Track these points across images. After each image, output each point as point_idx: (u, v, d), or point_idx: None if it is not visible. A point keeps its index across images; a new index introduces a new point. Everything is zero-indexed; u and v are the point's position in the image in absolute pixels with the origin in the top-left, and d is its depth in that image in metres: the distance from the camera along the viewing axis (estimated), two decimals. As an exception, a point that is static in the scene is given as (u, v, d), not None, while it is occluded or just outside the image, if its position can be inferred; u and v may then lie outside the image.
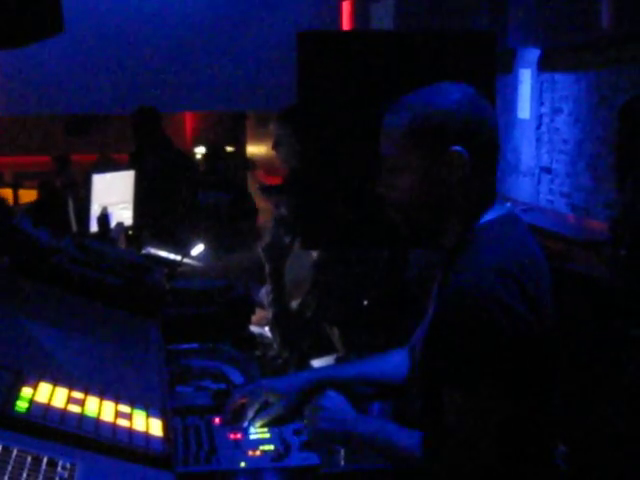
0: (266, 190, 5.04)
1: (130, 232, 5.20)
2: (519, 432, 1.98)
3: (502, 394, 1.89)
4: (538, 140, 6.23)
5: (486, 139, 2.02)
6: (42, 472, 1.60)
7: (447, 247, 2.07)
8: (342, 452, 2.32)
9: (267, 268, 4.41)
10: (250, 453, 2.15)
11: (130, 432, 1.89)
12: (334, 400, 2.26)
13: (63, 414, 1.84)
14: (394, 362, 2.38)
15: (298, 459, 2.12)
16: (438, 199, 2.02)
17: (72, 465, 1.66)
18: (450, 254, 2.05)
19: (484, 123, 2.02)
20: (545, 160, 6.15)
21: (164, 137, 6.73)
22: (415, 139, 2.00)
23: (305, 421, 2.24)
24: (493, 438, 1.92)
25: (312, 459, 2.12)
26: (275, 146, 4.37)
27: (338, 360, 3.65)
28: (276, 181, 5.46)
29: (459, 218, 2.03)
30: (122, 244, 4.75)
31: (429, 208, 2.03)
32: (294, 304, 4.27)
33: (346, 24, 6.92)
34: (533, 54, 6.23)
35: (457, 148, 1.98)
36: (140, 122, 6.61)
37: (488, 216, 2.03)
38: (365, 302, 3.73)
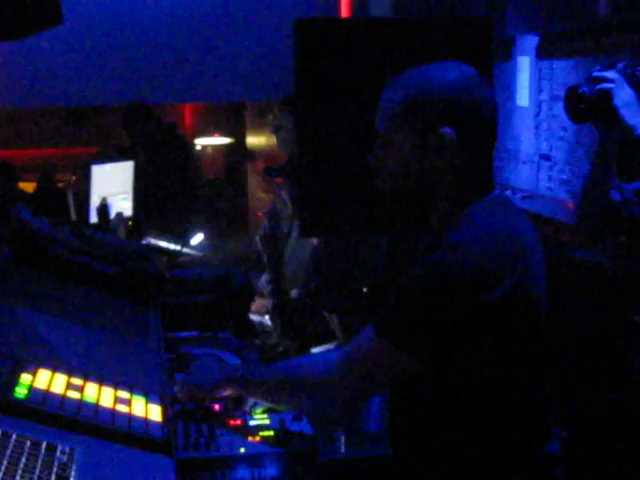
0: (270, 171, 5.05)
1: (130, 222, 5.21)
2: (500, 420, 1.99)
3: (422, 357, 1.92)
4: (537, 127, 6.22)
5: (480, 123, 2.00)
6: (41, 457, 1.61)
7: (435, 230, 2.07)
8: (342, 439, 2.33)
9: (266, 257, 4.42)
10: (250, 439, 2.16)
11: (129, 417, 1.90)
12: (203, 359, 2.39)
13: (62, 400, 1.85)
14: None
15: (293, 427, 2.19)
16: (425, 179, 2.01)
17: (71, 450, 1.67)
18: (436, 236, 2.05)
19: (479, 106, 1.99)
20: (544, 147, 6.15)
21: (161, 128, 6.77)
22: (406, 116, 2.00)
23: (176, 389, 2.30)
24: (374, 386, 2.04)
25: (307, 429, 2.19)
26: (275, 132, 4.39)
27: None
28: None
29: (448, 201, 2.02)
30: (122, 235, 4.75)
31: (415, 187, 2.03)
32: (294, 292, 4.27)
33: (344, 12, 6.90)
34: (531, 41, 6.22)
35: (446, 129, 1.96)
36: (132, 118, 6.68)
37: (477, 201, 2.02)
38: (364, 289, 3.73)
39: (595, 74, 2.81)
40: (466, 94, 1.98)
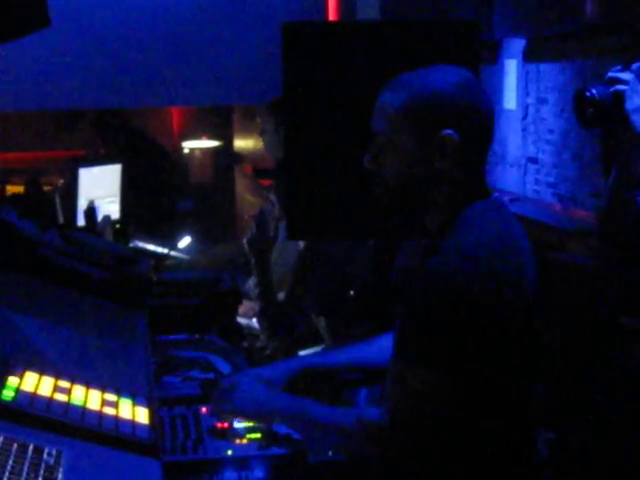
0: (260, 173, 5.08)
1: (117, 225, 5.20)
2: (490, 417, 1.99)
3: (454, 373, 1.88)
4: (524, 130, 6.22)
5: (480, 126, 2.03)
6: (28, 459, 1.60)
7: (431, 233, 2.07)
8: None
9: (253, 260, 4.43)
10: (237, 441, 2.16)
11: (116, 420, 1.89)
12: (245, 380, 2.30)
13: (49, 402, 1.85)
14: (380, 347, 2.37)
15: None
16: (425, 182, 2.00)
17: (58, 452, 1.66)
18: (432, 240, 2.05)
19: (479, 109, 2.02)
20: (531, 150, 6.15)
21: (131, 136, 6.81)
22: (409, 119, 1.99)
23: (215, 402, 2.26)
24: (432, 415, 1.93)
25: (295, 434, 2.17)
26: (261, 135, 4.41)
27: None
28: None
29: (446, 204, 2.02)
30: (109, 237, 4.75)
31: (415, 189, 2.02)
32: (281, 295, 4.28)
33: (332, 15, 6.91)
34: (518, 44, 6.22)
35: (449, 132, 1.97)
36: (103, 129, 6.73)
37: (475, 204, 2.03)
38: (352, 292, 3.75)
39: (610, 75, 2.60)
40: (467, 96, 1.99)
